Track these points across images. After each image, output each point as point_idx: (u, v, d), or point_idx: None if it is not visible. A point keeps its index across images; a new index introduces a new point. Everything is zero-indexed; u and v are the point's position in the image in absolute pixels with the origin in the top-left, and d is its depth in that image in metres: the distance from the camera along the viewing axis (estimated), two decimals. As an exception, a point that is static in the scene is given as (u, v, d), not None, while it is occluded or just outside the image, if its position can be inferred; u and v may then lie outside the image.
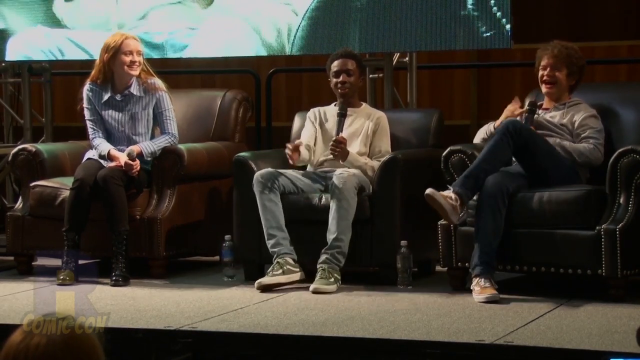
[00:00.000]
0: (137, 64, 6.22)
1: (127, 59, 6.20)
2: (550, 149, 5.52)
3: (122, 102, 6.27)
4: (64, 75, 8.99)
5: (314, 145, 6.15)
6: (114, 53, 6.20)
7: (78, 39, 7.30)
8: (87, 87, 6.32)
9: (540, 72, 5.77)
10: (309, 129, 6.18)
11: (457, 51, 6.80)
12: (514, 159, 5.60)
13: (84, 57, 7.35)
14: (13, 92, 8.20)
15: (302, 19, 6.78)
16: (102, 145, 6.20)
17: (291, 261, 5.72)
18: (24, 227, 6.37)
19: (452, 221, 5.42)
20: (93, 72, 6.30)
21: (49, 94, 7.98)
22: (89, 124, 6.30)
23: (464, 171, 5.49)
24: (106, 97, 6.28)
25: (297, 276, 5.71)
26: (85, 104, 6.32)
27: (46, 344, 2.04)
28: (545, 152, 5.50)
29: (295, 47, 6.84)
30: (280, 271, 5.67)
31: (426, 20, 6.51)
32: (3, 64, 7.92)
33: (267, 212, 5.77)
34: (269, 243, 5.75)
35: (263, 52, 6.99)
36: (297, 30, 6.80)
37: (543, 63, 5.75)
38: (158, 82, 6.32)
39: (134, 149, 6.12)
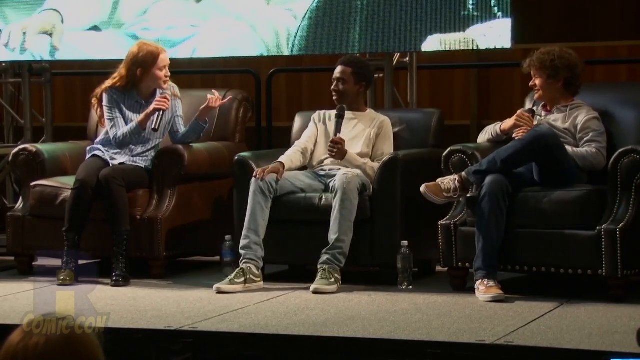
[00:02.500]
0: (169, 77, 6.28)
1: (162, 73, 6.22)
2: (568, 157, 5.50)
3: (146, 108, 6.25)
4: (64, 76, 8.99)
5: (314, 146, 6.17)
6: (150, 67, 6.19)
7: (72, 41, 7.29)
8: (107, 91, 6.27)
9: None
10: (311, 131, 6.20)
11: (457, 51, 6.78)
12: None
13: (84, 57, 7.36)
14: (13, 92, 8.20)
15: (303, 19, 6.77)
16: (124, 129, 6.19)
17: (255, 270, 5.73)
18: (24, 227, 6.37)
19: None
20: (116, 80, 6.25)
21: (49, 94, 7.97)
22: (109, 125, 6.24)
23: (485, 159, 5.48)
24: (131, 101, 6.28)
25: (256, 286, 5.72)
26: (105, 103, 6.25)
27: (45, 343, 2.04)
28: (563, 162, 5.47)
29: (296, 48, 6.83)
30: (243, 279, 5.69)
31: (427, 21, 6.51)
32: (3, 64, 7.92)
33: (252, 213, 5.80)
34: (241, 242, 5.78)
35: (264, 53, 6.99)
36: (297, 31, 6.80)
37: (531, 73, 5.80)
38: (176, 88, 6.37)
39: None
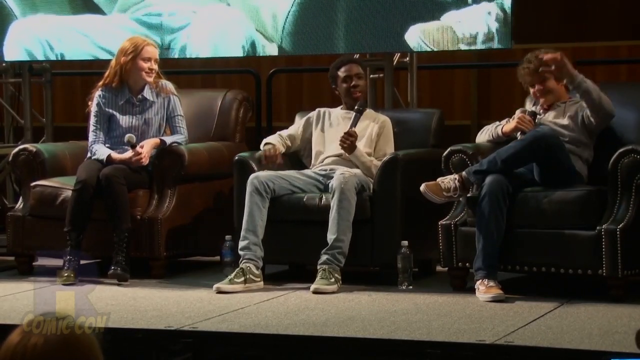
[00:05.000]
0: (154, 71, 6.25)
1: (146, 65, 6.22)
2: (569, 158, 5.50)
3: (138, 107, 6.26)
4: (64, 76, 8.99)
5: (298, 141, 6.23)
6: (133, 57, 6.21)
7: (80, 27, 7.27)
8: (99, 92, 6.30)
9: (531, 90, 5.79)
10: (298, 126, 6.26)
11: (457, 51, 6.78)
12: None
13: (84, 57, 7.36)
14: (13, 92, 8.20)
15: (288, 13, 6.77)
16: (100, 150, 6.20)
17: (255, 270, 5.74)
18: (24, 227, 6.37)
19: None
20: (107, 75, 6.29)
21: (49, 94, 7.98)
22: (92, 129, 6.28)
23: (485, 159, 5.48)
24: (122, 101, 6.28)
25: (256, 285, 5.72)
26: (93, 108, 6.30)
27: (44, 344, 2.03)
28: (563, 162, 5.47)
29: (294, 46, 6.82)
30: (242, 279, 5.70)
31: (427, 20, 6.51)
32: (4, 64, 7.92)
33: (249, 214, 5.81)
34: (240, 243, 5.80)
35: (262, 53, 6.99)
36: (284, 25, 6.79)
37: (528, 81, 5.76)
38: (169, 84, 6.36)
39: (147, 143, 6.15)
